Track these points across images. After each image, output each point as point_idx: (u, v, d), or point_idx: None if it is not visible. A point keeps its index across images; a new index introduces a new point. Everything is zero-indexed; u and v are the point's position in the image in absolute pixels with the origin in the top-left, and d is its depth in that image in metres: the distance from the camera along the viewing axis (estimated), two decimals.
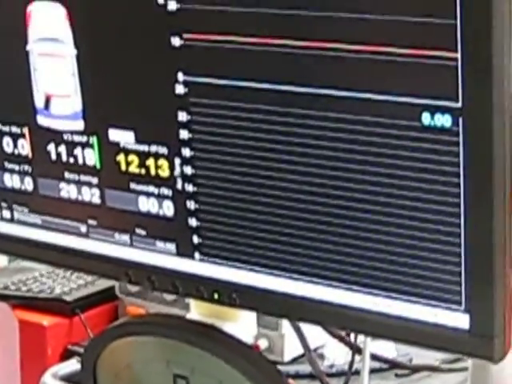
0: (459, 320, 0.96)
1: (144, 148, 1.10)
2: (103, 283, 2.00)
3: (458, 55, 0.88)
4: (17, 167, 1.23)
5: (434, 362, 1.77)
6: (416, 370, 1.76)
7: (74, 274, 2.05)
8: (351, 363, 1.45)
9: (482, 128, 0.89)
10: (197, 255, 1.11)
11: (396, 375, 1.76)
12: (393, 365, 1.76)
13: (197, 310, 1.26)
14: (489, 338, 0.95)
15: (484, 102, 0.88)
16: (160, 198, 1.11)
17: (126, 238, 1.16)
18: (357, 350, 1.46)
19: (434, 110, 0.91)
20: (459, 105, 0.88)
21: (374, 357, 1.62)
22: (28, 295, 1.95)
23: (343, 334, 1.50)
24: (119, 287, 1.91)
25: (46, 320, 1.86)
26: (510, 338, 0.97)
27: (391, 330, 1.04)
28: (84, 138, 1.14)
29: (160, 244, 1.14)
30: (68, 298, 1.91)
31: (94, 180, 1.16)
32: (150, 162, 1.10)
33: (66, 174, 1.17)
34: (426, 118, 0.91)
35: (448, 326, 0.97)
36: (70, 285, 1.98)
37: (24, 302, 1.93)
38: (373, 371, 1.61)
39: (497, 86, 0.88)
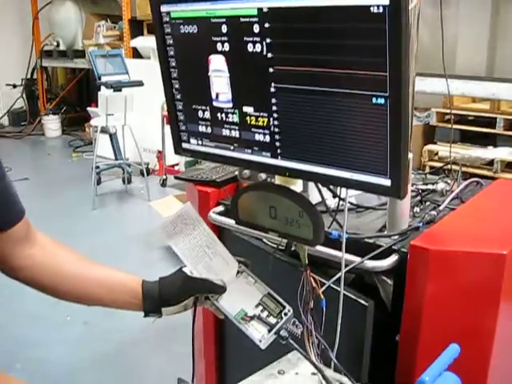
0: (386, 182, 0.95)
1: (257, 113, 1.07)
2: (232, 174, 1.97)
3: (387, 74, 0.87)
4: (203, 123, 1.18)
5: (373, 205, 1.78)
6: (366, 208, 1.74)
7: (221, 169, 2.04)
8: (338, 205, 1.41)
9: (398, 104, 0.89)
10: (279, 157, 1.08)
11: (356, 212, 1.74)
12: (356, 206, 1.75)
13: (279, 180, 1.22)
14: (398, 188, 0.95)
15: (398, 93, 0.88)
16: (264, 134, 1.08)
17: (249, 150, 1.12)
18: (340, 198, 1.39)
19: (377, 96, 0.89)
20: (387, 94, 0.88)
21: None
22: (200, 179, 1.96)
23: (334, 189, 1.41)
24: (239, 174, 1.85)
25: (208, 189, 1.89)
26: (407, 188, 0.98)
27: (354, 185, 0.99)
28: (232, 110, 1.11)
29: (263, 153, 1.10)
30: (218, 180, 1.93)
31: (236, 127, 1.13)
32: (260, 119, 1.07)
33: (225, 125, 1.14)
34: (374, 99, 0.90)
35: (381, 184, 0.96)
36: (218, 175, 1.97)
37: (199, 182, 1.95)
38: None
39: (404, 87, 0.87)
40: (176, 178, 2.05)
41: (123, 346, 3.08)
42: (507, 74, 4.06)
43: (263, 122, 1.06)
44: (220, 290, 1.09)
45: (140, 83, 5.54)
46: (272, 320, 1.08)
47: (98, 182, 5.79)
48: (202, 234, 1.11)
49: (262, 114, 1.06)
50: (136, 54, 7.04)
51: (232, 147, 1.15)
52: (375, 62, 0.86)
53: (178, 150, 1.24)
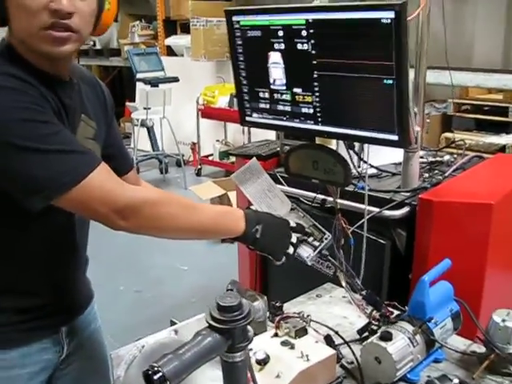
0: (394, 137, 1.21)
1: (304, 93, 1.31)
2: (274, 150, 2.15)
3: (394, 64, 1.11)
4: (263, 101, 1.41)
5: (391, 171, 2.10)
6: (386, 172, 2.03)
7: (264, 146, 2.21)
8: (359, 164, 1.65)
9: (401, 84, 1.13)
10: (320, 124, 1.32)
11: (378, 177, 2.00)
12: (377, 169, 2.01)
13: (318, 141, 1.47)
14: (404, 141, 1.21)
15: (401, 76, 1.11)
16: (308, 107, 1.31)
17: (297, 120, 1.36)
18: (362, 159, 1.56)
19: (387, 79, 1.13)
20: (394, 77, 1.12)
21: None
22: (249, 153, 2.16)
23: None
24: (280, 149, 2.08)
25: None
26: (409, 141, 1.28)
27: (373, 141, 1.26)
28: (286, 91, 1.34)
29: (307, 121, 1.34)
30: (264, 154, 2.14)
31: (288, 103, 1.35)
32: (305, 97, 1.31)
33: (280, 102, 1.37)
34: (385, 80, 1.13)
35: (391, 139, 1.21)
36: (263, 150, 2.18)
37: (248, 157, 2.08)
38: None
39: (405, 73, 1.11)
40: (230, 154, 2.34)
41: (173, 309, 3.44)
42: None
43: (308, 99, 1.32)
44: None
45: (175, 79, 5.92)
46: (316, 243, 1.33)
47: (137, 172, 6.14)
48: (264, 181, 1.41)
49: (307, 93, 1.32)
50: (170, 51, 7.42)
51: (285, 118, 1.40)
52: (386, 56, 1.14)
53: (244, 122, 1.53)
